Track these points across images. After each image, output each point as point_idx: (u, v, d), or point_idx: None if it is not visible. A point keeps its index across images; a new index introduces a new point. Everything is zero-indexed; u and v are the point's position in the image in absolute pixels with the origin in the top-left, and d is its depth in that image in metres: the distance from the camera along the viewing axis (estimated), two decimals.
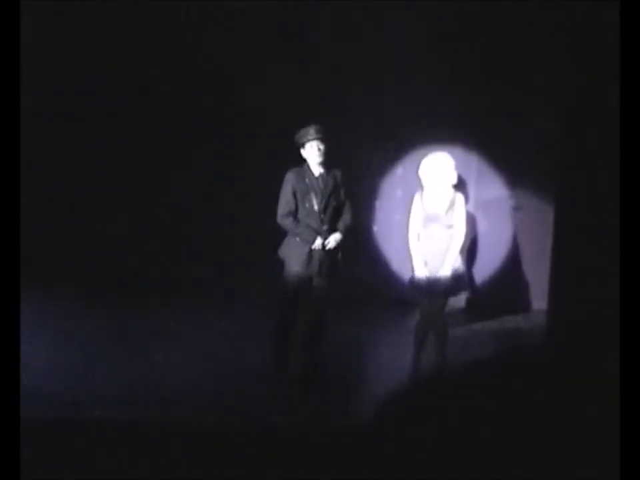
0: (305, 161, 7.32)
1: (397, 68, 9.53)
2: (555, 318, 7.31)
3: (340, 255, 7.35)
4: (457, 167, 7.50)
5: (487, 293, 9.49)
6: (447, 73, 9.36)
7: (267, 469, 4.80)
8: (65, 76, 9.73)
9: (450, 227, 7.29)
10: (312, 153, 7.26)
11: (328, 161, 7.31)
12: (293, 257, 7.28)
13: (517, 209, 9.73)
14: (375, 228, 9.88)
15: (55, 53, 9.74)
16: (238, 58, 9.61)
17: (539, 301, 9.24)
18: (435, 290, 7.25)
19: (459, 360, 7.45)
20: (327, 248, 7.28)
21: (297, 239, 7.29)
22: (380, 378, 7.36)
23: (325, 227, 7.31)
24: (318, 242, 7.26)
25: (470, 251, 9.08)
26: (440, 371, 6.20)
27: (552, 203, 8.48)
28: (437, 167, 7.33)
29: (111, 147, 9.83)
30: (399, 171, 9.69)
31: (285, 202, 7.30)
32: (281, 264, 7.34)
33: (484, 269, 9.61)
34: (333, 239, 7.31)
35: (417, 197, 7.37)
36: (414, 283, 7.34)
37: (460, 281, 7.35)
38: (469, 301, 9.45)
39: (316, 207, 7.29)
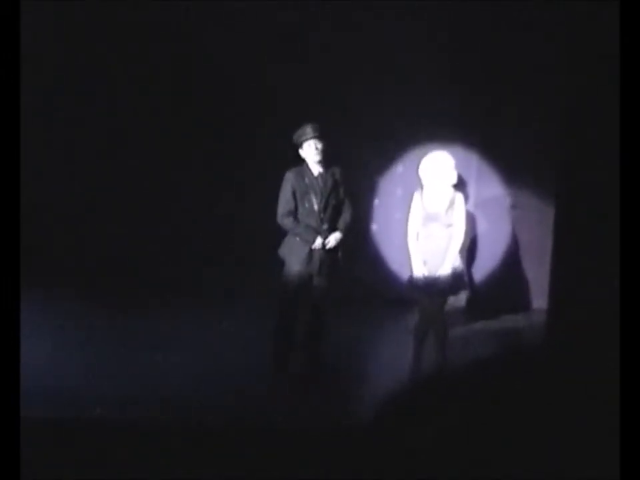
0: (304, 160, 7.33)
1: (397, 68, 9.53)
2: (555, 317, 7.32)
3: (340, 254, 7.35)
4: (457, 166, 7.50)
5: (487, 292, 9.49)
6: (447, 72, 9.37)
7: (267, 469, 4.80)
8: (65, 76, 9.73)
9: (449, 226, 7.29)
10: (310, 151, 7.26)
11: (327, 160, 7.31)
12: (293, 257, 7.28)
13: (513, 207, 9.72)
14: (375, 227, 9.88)
15: (54, 53, 9.74)
16: (238, 58, 9.61)
17: (539, 300, 9.24)
18: (434, 289, 7.24)
19: (459, 359, 7.45)
20: (327, 247, 7.28)
21: (297, 238, 7.29)
22: (380, 378, 7.35)
23: (325, 226, 7.31)
24: (318, 241, 7.26)
25: (470, 250, 9.08)
26: (440, 370, 6.20)
27: (552, 203, 8.48)
28: (437, 166, 7.33)
29: (111, 146, 9.83)
30: (399, 169, 9.69)
31: (284, 202, 7.30)
32: (281, 263, 7.34)
33: (484, 268, 9.61)
34: (333, 238, 7.31)
35: (416, 196, 7.37)
36: (413, 282, 7.34)
37: (459, 280, 7.35)
38: (469, 301, 9.45)
39: (316, 207, 7.29)
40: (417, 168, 7.47)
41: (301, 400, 6.80)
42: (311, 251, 7.25)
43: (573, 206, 6.59)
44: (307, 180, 7.29)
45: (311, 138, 7.22)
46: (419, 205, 7.32)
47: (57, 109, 9.74)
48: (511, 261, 9.79)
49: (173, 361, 7.53)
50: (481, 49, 9.39)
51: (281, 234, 7.38)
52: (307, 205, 7.29)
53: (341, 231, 7.36)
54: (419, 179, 7.40)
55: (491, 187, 9.71)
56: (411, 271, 7.33)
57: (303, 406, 6.63)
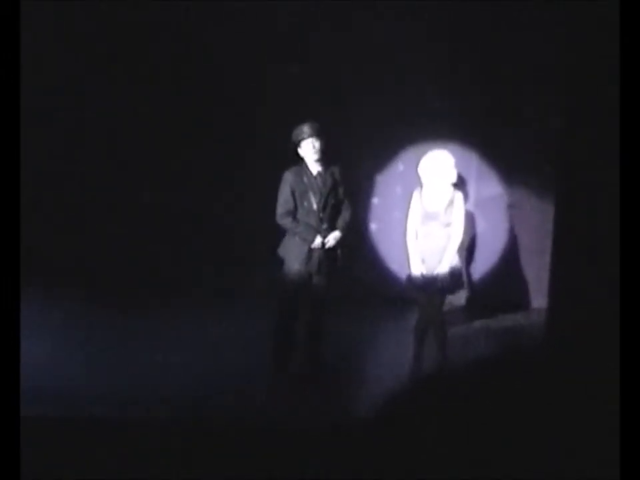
0: (302, 160, 7.32)
1: (397, 68, 9.53)
2: (555, 316, 7.31)
3: (339, 253, 7.35)
4: (457, 165, 7.51)
5: (486, 291, 9.49)
6: (447, 72, 9.37)
7: (267, 469, 4.80)
8: (65, 76, 9.73)
9: (448, 225, 7.29)
10: (308, 150, 7.26)
11: (326, 159, 7.31)
12: (293, 256, 7.28)
13: (512, 206, 9.72)
14: (374, 226, 9.88)
15: (55, 53, 9.74)
16: (238, 58, 9.61)
17: (539, 299, 9.23)
18: (432, 288, 7.25)
19: (459, 358, 7.45)
20: (327, 246, 7.28)
21: (297, 237, 7.28)
22: (380, 377, 7.35)
23: (324, 226, 7.31)
24: (317, 240, 7.26)
25: (469, 249, 9.08)
26: (440, 369, 6.20)
27: (552, 203, 8.47)
28: (437, 165, 7.33)
29: (111, 146, 9.82)
30: (399, 168, 9.69)
31: (283, 201, 7.30)
32: (280, 263, 7.34)
33: (484, 267, 9.61)
34: (333, 238, 7.31)
35: (415, 195, 7.37)
36: (411, 281, 7.34)
37: (457, 280, 7.36)
38: (469, 300, 9.45)
39: (315, 206, 7.29)
40: (417, 167, 7.47)
41: (301, 400, 6.80)
42: (311, 250, 7.25)
43: (572, 206, 6.58)
44: (305, 179, 7.28)
45: (308, 137, 7.21)
46: (418, 203, 7.32)
47: (56, 109, 9.74)
48: (511, 259, 9.79)
49: (173, 361, 7.53)
50: (480, 49, 9.39)
51: (281, 234, 7.38)
52: (306, 205, 7.28)
53: (341, 230, 7.36)
54: (419, 178, 7.41)
55: (491, 186, 9.71)
56: (409, 269, 7.34)
57: (303, 406, 6.63)
